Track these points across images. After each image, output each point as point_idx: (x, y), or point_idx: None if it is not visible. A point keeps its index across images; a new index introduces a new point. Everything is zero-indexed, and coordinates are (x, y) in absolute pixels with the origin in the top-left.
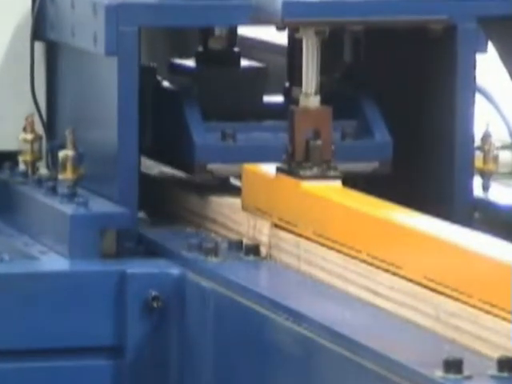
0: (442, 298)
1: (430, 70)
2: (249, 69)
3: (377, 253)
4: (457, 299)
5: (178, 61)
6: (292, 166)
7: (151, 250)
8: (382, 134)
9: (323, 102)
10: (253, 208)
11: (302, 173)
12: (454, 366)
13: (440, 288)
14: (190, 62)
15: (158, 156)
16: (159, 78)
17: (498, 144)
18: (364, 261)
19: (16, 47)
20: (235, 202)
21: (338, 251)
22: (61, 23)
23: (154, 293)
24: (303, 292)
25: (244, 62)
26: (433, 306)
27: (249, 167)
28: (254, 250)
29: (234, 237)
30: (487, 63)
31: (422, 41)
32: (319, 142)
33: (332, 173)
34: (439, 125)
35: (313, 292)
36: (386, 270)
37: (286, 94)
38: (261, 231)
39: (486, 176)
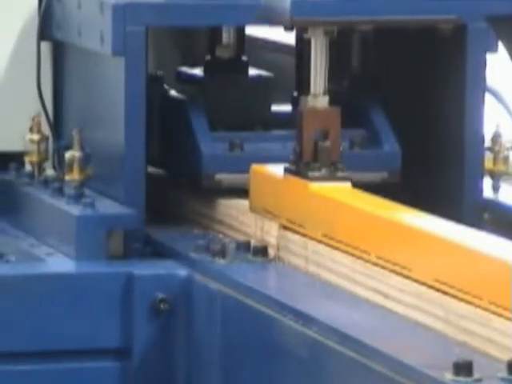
0: (451, 300)
1: (440, 70)
2: (257, 78)
3: (386, 255)
4: (467, 301)
5: (186, 69)
6: (300, 167)
7: (158, 252)
8: (391, 143)
9: None
10: (261, 209)
11: (310, 174)
12: (463, 368)
13: (450, 290)
14: (197, 71)
15: (165, 166)
16: (166, 86)
17: (508, 145)
18: (373, 263)
19: (22, 47)
20: (243, 203)
21: (347, 253)
22: (67, 23)
23: (161, 295)
24: (311, 294)
25: (252, 71)
26: (443, 308)
27: (256, 168)
28: (262, 251)
29: (241, 238)
30: (497, 63)
31: (431, 41)
32: (327, 143)
33: (340, 174)
34: (449, 125)
35: (321, 294)
36: (396, 272)
37: (294, 103)
38: (269, 233)
39: (496, 177)
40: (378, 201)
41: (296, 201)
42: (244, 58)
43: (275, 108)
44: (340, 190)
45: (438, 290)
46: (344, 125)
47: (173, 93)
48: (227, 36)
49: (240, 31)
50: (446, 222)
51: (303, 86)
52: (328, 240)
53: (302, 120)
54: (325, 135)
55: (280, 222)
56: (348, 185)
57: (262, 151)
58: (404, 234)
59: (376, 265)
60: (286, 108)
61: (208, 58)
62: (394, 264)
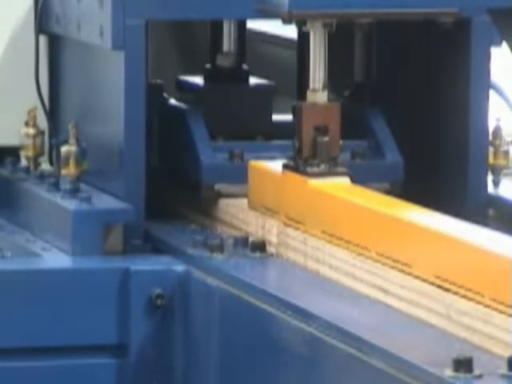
0: (452, 297)
1: (444, 65)
2: (257, 87)
3: (386, 251)
4: (468, 298)
5: (186, 78)
6: (299, 163)
7: (157, 248)
8: (393, 154)
9: None
10: (260, 206)
11: (309, 170)
12: (463, 364)
13: (451, 287)
14: (197, 80)
15: (165, 175)
16: (166, 95)
17: (508, 139)
18: (373, 259)
19: (18, 40)
20: (243, 201)
21: (347, 249)
22: (66, 16)
23: (158, 290)
24: (310, 290)
25: (252, 80)
26: (443, 305)
27: (255, 164)
28: (260, 246)
29: (239, 233)
30: (496, 56)
31: (435, 35)
32: (326, 139)
33: (340, 169)
34: (453, 121)
35: (320, 290)
36: (396, 269)
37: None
38: (270, 231)
39: (497, 171)
40: (378, 197)
41: (295, 197)
42: (244, 66)
43: (276, 117)
44: (339, 186)
45: (438, 286)
46: (346, 136)
47: (173, 101)
48: (228, 44)
49: (241, 39)
50: (446, 217)
51: (305, 83)
52: (328, 237)
53: (301, 115)
54: (324, 131)
55: (280, 219)
56: (347, 180)
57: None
58: (404, 231)
59: (376, 261)
60: (287, 117)
61: (208, 66)
62: (395, 261)
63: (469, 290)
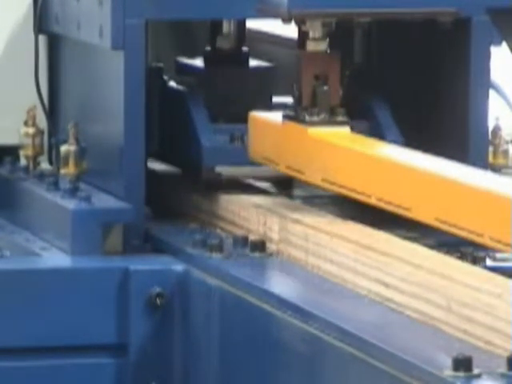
0: (453, 289)
1: (444, 64)
2: (257, 69)
3: (387, 197)
4: (468, 239)
5: (186, 60)
6: (299, 112)
7: (155, 247)
8: (394, 135)
9: None
10: (260, 157)
11: (308, 119)
12: (463, 364)
13: (451, 229)
14: (197, 62)
15: (166, 158)
16: (166, 78)
17: (508, 138)
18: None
19: (18, 40)
20: (245, 198)
21: (347, 197)
22: (66, 16)
23: (157, 290)
24: (310, 289)
25: (252, 62)
26: (444, 297)
27: (255, 115)
28: (260, 245)
29: (239, 232)
30: (496, 56)
31: (435, 34)
32: (326, 87)
33: (340, 118)
34: (453, 120)
35: (320, 289)
36: (396, 213)
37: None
38: (271, 228)
39: (496, 171)
40: (377, 144)
41: (295, 147)
42: (244, 48)
43: (276, 99)
44: (339, 135)
45: (438, 228)
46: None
47: (172, 84)
48: (228, 26)
49: (241, 22)
50: (446, 161)
51: None
52: (328, 185)
53: (302, 64)
54: (324, 79)
55: (280, 168)
56: (347, 129)
57: None
58: (404, 175)
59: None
60: (288, 99)
61: (208, 48)
62: (395, 205)
63: (469, 231)
